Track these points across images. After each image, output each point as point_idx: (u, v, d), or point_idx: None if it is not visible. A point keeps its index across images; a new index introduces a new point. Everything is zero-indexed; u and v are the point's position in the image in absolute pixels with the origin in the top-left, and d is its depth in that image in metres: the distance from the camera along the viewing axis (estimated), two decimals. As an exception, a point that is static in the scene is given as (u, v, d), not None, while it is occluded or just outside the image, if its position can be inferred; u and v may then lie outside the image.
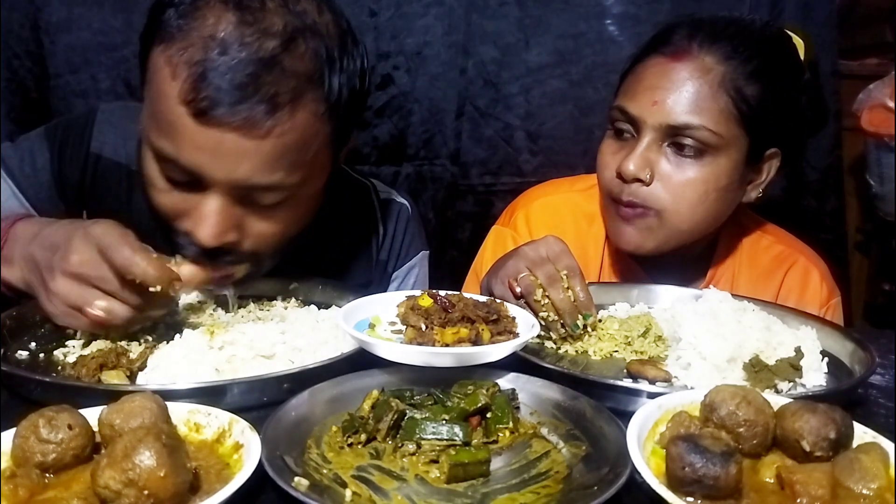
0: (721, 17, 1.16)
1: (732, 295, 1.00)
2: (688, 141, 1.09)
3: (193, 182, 0.89)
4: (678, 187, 1.11)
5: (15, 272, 0.88)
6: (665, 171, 1.11)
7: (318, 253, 1.15)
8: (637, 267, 1.28)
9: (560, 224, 1.31)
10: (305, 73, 0.87)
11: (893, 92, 1.75)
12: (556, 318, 0.93)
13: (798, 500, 0.56)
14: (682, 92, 1.08)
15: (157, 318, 0.90)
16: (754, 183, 1.18)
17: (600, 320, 0.99)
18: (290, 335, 0.85)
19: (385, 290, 1.24)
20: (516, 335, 0.80)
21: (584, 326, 0.95)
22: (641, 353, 0.93)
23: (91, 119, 1.13)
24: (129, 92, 1.55)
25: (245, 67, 0.82)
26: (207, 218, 0.88)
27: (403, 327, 0.81)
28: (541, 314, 0.93)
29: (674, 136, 1.10)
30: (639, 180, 1.11)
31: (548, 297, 0.93)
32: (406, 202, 1.29)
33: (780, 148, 1.16)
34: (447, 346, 0.75)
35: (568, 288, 0.93)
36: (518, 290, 0.94)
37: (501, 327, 0.81)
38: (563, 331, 0.94)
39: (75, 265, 0.80)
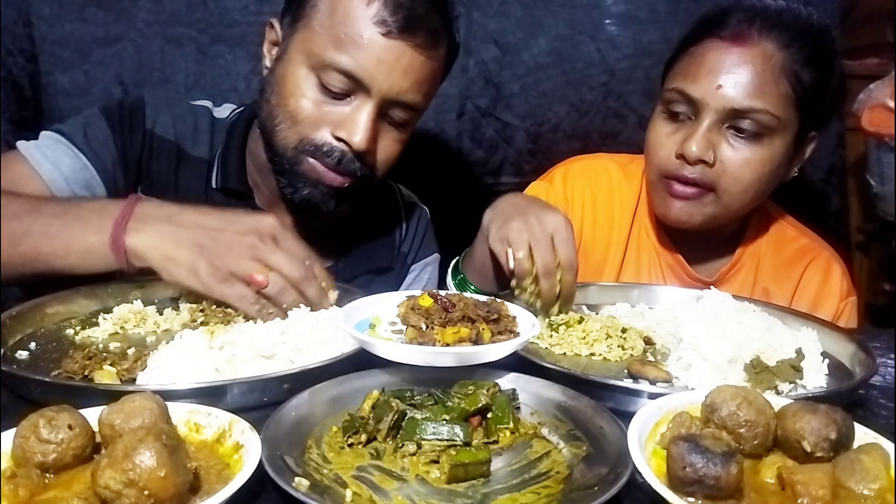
0: (771, 5, 1.17)
1: (733, 296, 1.00)
2: (748, 124, 1.12)
3: (347, 93, 1.05)
4: (738, 169, 1.14)
5: (144, 239, 0.91)
6: (726, 153, 1.14)
7: (354, 235, 1.30)
8: (666, 238, 1.30)
9: (596, 183, 1.36)
10: (449, 16, 1.11)
11: (893, 92, 1.75)
12: (536, 302, 0.96)
13: (799, 501, 0.55)
14: (746, 76, 1.11)
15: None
16: (794, 163, 1.21)
17: (580, 321, 0.99)
18: (290, 335, 0.85)
19: (403, 279, 1.36)
20: (517, 334, 0.80)
21: (554, 321, 0.97)
22: (631, 348, 0.94)
23: (142, 100, 1.21)
24: (123, 90, 1.55)
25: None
26: (361, 123, 1.05)
27: (404, 327, 0.81)
28: (522, 297, 0.96)
29: (735, 119, 1.12)
30: (702, 161, 1.13)
31: (536, 284, 0.95)
32: (425, 208, 1.42)
33: (817, 131, 1.20)
34: (447, 345, 0.75)
35: (559, 279, 0.95)
36: (512, 268, 0.95)
37: (502, 327, 0.80)
38: (538, 317, 0.95)
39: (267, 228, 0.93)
